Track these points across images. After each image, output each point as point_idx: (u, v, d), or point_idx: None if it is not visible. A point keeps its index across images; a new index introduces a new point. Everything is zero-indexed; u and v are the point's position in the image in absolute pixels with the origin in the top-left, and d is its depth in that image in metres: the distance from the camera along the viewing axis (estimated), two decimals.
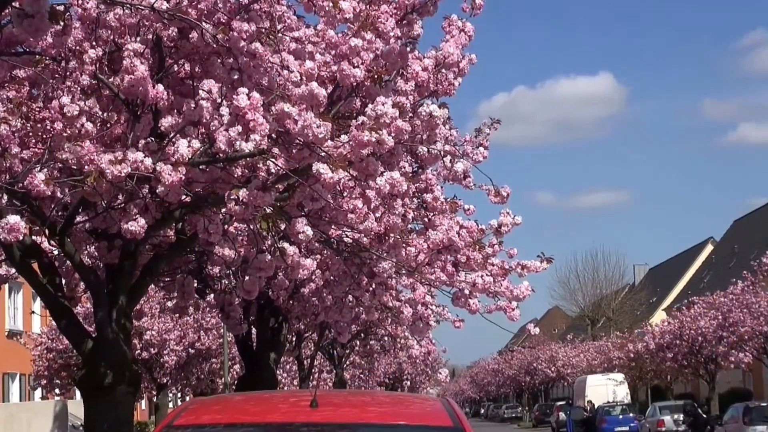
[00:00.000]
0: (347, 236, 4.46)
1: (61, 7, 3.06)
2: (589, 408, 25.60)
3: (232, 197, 3.29)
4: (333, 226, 4.21)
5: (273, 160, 3.44)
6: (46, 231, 3.93)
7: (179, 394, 22.51)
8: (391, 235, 4.06)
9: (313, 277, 5.68)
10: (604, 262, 43.63)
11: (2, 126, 3.02)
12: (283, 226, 4.21)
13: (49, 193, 3.26)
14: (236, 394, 2.73)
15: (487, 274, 4.24)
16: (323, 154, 3.25)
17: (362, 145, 3.07)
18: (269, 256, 3.65)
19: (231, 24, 3.10)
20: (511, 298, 4.40)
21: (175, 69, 3.78)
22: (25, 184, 3.08)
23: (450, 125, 4.97)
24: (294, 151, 3.34)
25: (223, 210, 3.83)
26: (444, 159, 4.14)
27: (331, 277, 5.56)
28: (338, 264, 4.92)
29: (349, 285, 4.97)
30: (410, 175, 3.98)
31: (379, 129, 3.10)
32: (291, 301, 6.46)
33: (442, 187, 5.12)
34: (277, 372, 8.30)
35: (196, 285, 5.27)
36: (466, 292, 4.49)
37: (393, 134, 3.19)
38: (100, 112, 3.58)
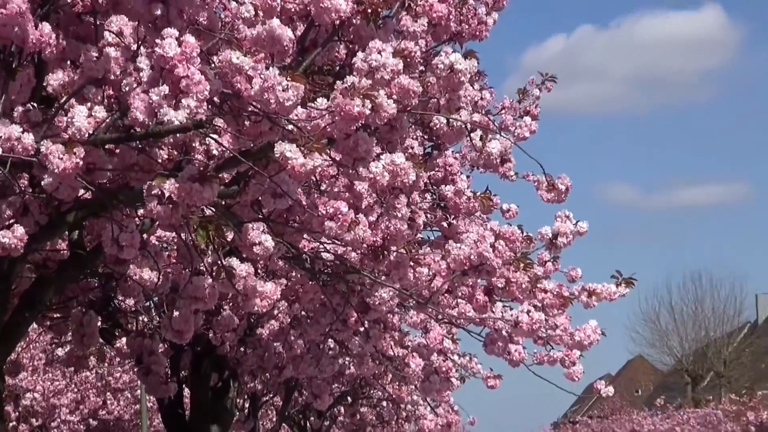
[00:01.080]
0: (327, 251, 4.30)
1: None
2: None
3: (154, 192, 3.19)
4: (306, 236, 4.07)
5: (215, 137, 3.41)
6: None
7: None
8: (393, 248, 3.95)
9: (276, 312, 5.42)
10: (712, 291, 43.11)
11: None
12: (230, 236, 4.08)
13: None
14: None
15: (536, 306, 4.14)
16: (290, 128, 3.20)
17: (350, 119, 2.98)
18: (210, 280, 3.59)
19: None
20: (572, 344, 4.25)
21: (69, 0, 3.58)
22: None
23: (481, 84, 4.78)
24: (247, 123, 3.27)
25: (142, 212, 3.81)
26: (471, 135, 4.03)
27: (303, 312, 5.29)
28: (314, 292, 4.79)
29: (329, 324, 4.80)
30: (421, 159, 3.88)
31: (374, 90, 3.01)
32: (243, 349, 6.29)
33: (468, 176, 4.93)
34: None
35: (100, 324, 5.18)
36: (506, 333, 4.35)
37: (395, 97, 3.16)
38: None
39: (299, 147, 3.02)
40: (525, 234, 4.53)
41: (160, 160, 3.45)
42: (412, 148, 4.33)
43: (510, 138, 4.72)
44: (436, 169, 5.07)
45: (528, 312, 4.12)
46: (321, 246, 4.42)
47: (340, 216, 3.38)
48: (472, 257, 4.07)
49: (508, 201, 5.17)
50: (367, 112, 3.06)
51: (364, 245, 3.78)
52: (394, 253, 4.00)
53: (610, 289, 4.54)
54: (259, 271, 4.51)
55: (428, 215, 5.28)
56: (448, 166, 4.97)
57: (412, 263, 4.17)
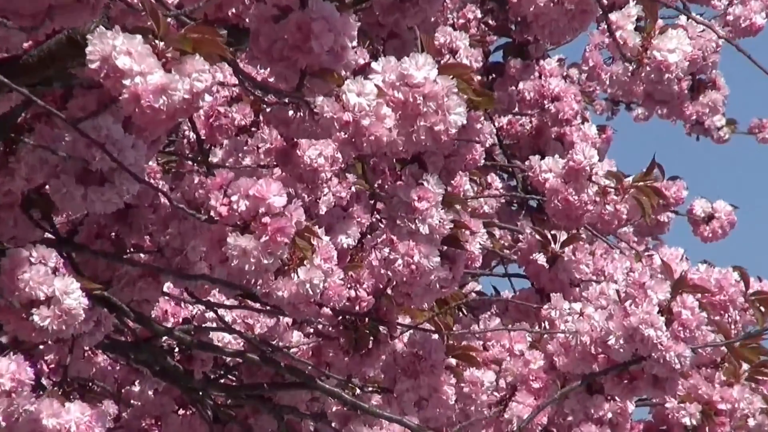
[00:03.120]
0: (225, 326, 4.35)
1: None
2: None
3: None
4: (170, 285, 4.04)
5: None
6: None
7: None
8: (401, 318, 4.08)
9: None
10: None
11: None
12: None
13: None
14: None
15: None
16: None
17: None
18: None
19: None
20: None
21: None
22: None
23: None
24: None
25: None
26: (611, 17, 4.21)
27: None
28: None
29: None
30: (477, 75, 3.71)
31: None
32: None
33: (605, 128, 5.12)
34: None
35: None
36: None
37: None
38: None
39: (151, 43, 3.01)
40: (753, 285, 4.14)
41: None
42: (455, 51, 4.31)
43: (716, 27, 4.48)
44: (520, 103, 4.99)
45: None
46: (211, 313, 4.40)
47: (266, 219, 3.29)
48: (612, 342, 4.02)
49: (709, 194, 5.08)
50: None
51: (325, 309, 3.81)
52: (407, 333, 4.05)
53: None
54: (46, 379, 4.31)
55: (496, 229, 5.14)
56: (548, 97, 5.03)
57: (453, 360, 4.13)
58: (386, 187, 4.14)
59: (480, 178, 4.90)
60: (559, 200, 4.45)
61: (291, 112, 3.57)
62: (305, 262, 3.55)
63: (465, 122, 3.49)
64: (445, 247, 3.99)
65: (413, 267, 3.87)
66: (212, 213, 3.52)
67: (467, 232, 4.11)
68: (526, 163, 4.53)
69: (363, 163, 3.99)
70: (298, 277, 3.50)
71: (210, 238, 3.58)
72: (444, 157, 4.07)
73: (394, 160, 4.03)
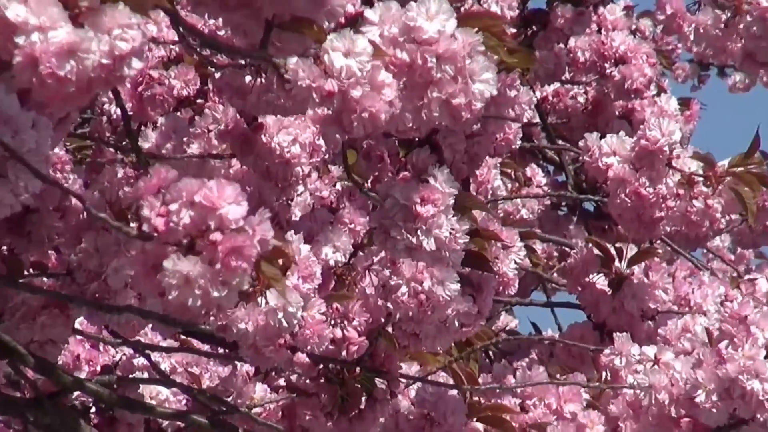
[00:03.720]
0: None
1: None
2: None
3: None
4: (84, 320, 4.39)
5: None
6: None
7: None
8: (405, 367, 4.15)
9: None
10: None
11: None
12: None
13: None
14: None
15: None
16: None
17: None
18: None
19: None
20: None
21: None
22: None
23: None
24: None
25: None
26: None
27: None
28: None
29: None
30: (507, 25, 3.69)
31: None
32: None
33: (690, 102, 4.88)
34: None
35: None
36: None
37: None
38: None
39: None
40: None
41: None
42: None
43: None
44: (571, 66, 5.00)
45: None
46: (141, 359, 4.47)
47: (216, 236, 3.49)
48: (701, 399, 4.04)
49: None
50: None
51: (300, 354, 3.86)
52: (414, 387, 4.03)
53: None
54: None
55: (538, 241, 5.02)
56: (611, 58, 5.00)
57: (479, 425, 4.24)
58: (384, 180, 4.11)
59: (516, 170, 4.51)
60: (627, 194, 4.30)
61: (249, 78, 3.55)
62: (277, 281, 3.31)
63: (495, 92, 3.40)
64: (468, 269, 3.91)
65: (422, 297, 3.78)
66: (146, 226, 3.17)
67: (498, 247, 4.02)
68: (581, 143, 4.30)
69: (355, 150, 4.00)
70: (267, 302, 3.41)
71: (143, 261, 3.22)
72: (465, 138, 3.94)
73: (397, 142, 3.97)
